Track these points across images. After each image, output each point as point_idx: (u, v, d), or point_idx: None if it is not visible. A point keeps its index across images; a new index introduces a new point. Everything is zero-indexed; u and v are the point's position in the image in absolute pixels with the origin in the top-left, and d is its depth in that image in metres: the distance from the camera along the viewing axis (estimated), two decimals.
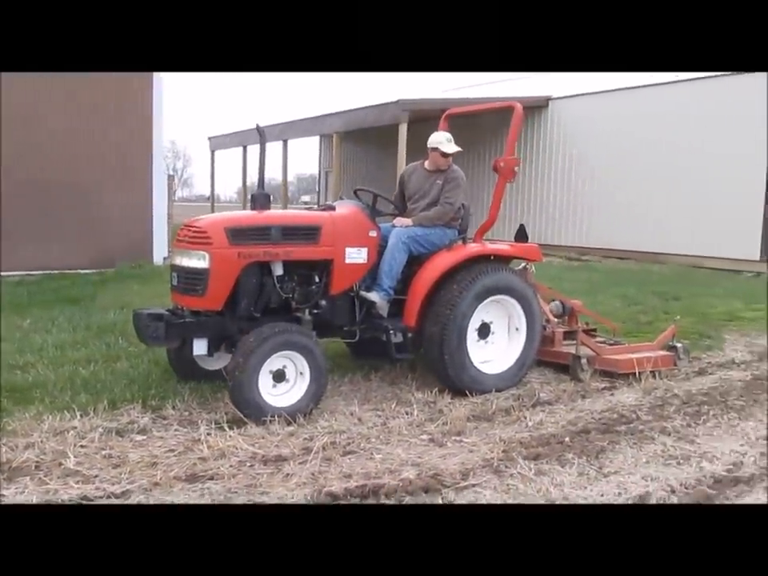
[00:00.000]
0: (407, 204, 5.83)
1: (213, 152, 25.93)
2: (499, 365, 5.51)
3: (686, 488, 3.68)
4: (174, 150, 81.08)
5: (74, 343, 6.30)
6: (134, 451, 4.06)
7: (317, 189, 28.69)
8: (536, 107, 18.54)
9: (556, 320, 6.28)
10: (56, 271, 9.77)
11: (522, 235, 6.05)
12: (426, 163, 5.78)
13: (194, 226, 4.76)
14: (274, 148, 21.75)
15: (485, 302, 5.34)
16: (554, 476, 3.78)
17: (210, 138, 25.92)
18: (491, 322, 5.53)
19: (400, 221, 5.54)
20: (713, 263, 14.36)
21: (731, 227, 14.23)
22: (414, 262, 5.44)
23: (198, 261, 4.66)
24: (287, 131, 21.28)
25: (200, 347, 4.77)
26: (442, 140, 5.59)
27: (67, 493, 3.49)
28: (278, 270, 4.95)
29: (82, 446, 4.08)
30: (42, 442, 4.07)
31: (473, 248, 5.48)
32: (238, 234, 4.73)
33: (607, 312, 8.07)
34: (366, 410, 4.88)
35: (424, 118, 19.99)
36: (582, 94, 17.57)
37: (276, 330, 4.58)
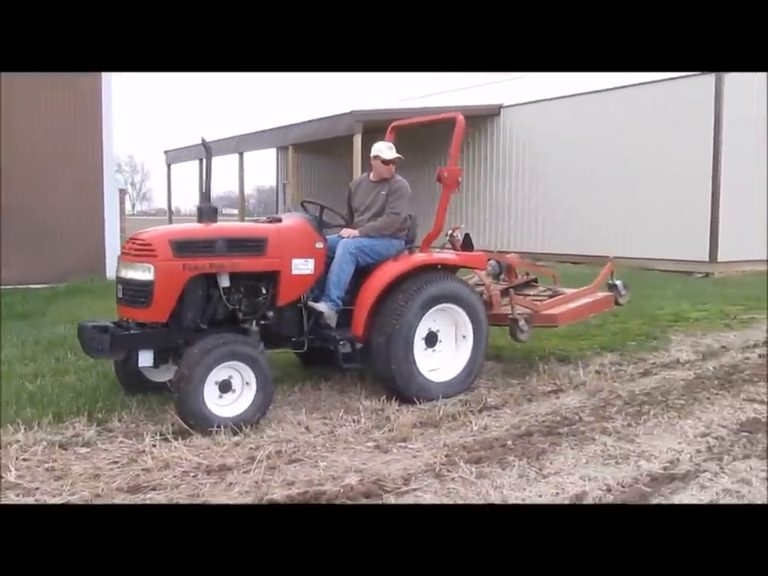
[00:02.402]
0: (354, 216, 5.90)
1: (169, 166, 25.73)
2: (447, 372, 5.59)
3: (622, 487, 3.77)
4: (132, 164, 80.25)
5: (22, 358, 6.24)
6: (77, 464, 4.04)
7: (275, 201, 28.61)
8: (489, 115, 18.83)
9: (493, 280, 6.44)
10: (8, 287, 9.63)
11: (467, 244, 6.17)
12: (371, 175, 5.87)
13: (139, 239, 4.77)
14: (230, 161, 21.70)
15: (431, 310, 5.42)
16: (495, 479, 3.86)
17: (165, 152, 25.73)
18: (438, 331, 5.61)
19: (347, 232, 5.62)
20: (663, 265, 14.68)
21: (680, 229, 14.57)
22: (362, 273, 5.50)
23: (142, 273, 4.66)
24: (243, 144, 21.25)
25: (146, 359, 4.76)
26: (382, 148, 5.69)
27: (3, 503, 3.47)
28: (225, 282, 4.97)
29: (24, 460, 4.06)
30: None
31: (418, 257, 5.56)
32: (183, 247, 4.75)
33: None
34: (313, 419, 4.91)
35: (378, 128, 20.21)
36: (533, 102, 17.87)
37: (221, 341, 4.60)
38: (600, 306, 6.19)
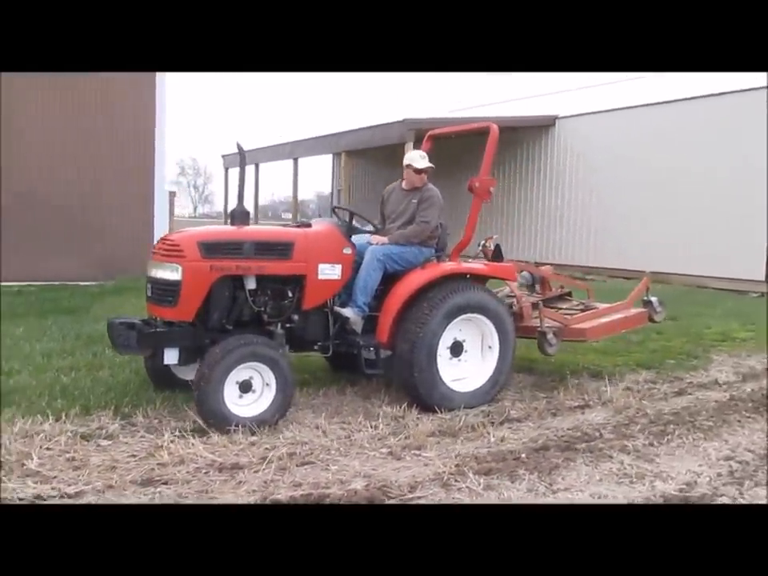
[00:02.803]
0: (386, 223, 5.94)
1: (227, 169, 26.26)
2: (472, 382, 5.56)
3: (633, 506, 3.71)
4: (195, 167, 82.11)
5: (61, 352, 6.46)
6: (97, 455, 4.17)
7: (330, 206, 28.89)
8: (543, 126, 18.67)
9: (527, 292, 6.39)
10: (57, 282, 9.99)
11: (497, 255, 6.13)
12: (404, 183, 5.89)
13: (169, 240, 4.90)
14: (286, 166, 22.03)
15: (456, 320, 5.41)
16: (502, 491, 3.83)
17: (223, 156, 26.28)
18: (464, 340, 5.59)
19: (376, 239, 5.65)
20: (718, 283, 14.28)
21: (736, 247, 14.16)
22: (390, 280, 5.52)
23: (170, 273, 4.79)
24: (297, 149, 21.54)
25: (171, 357, 4.88)
26: (414, 157, 5.71)
27: (23, 492, 3.61)
28: (251, 284, 5.06)
29: (47, 449, 4.20)
30: (9, 443, 4.19)
31: (445, 266, 5.56)
32: (211, 248, 4.85)
33: None
34: (333, 423, 4.95)
35: (421, 138, 20.27)
36: (589, 113, 17.64)
37: (242, 342, 4.69)
38: (632, 323, 6.07)
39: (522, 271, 6.55)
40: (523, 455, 4.36)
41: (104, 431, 4.55)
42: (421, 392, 5.28)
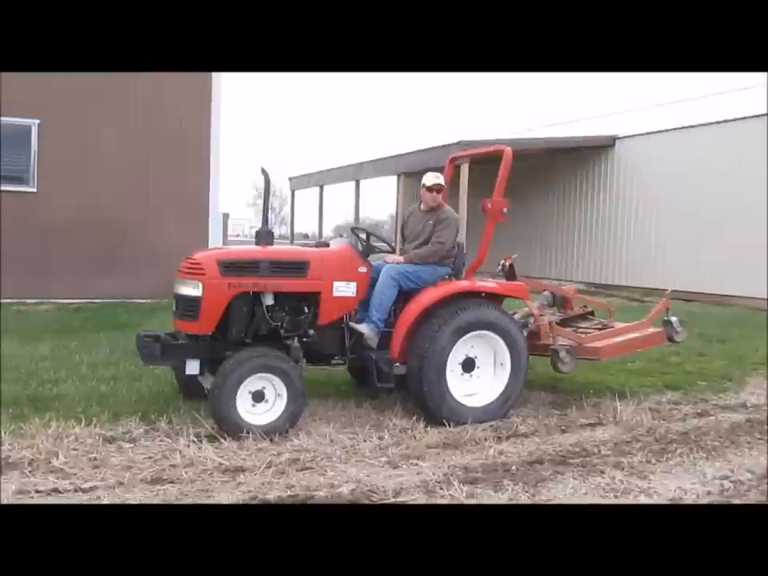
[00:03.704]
0: (405, 243, 6.19)
1: (293, 192, 27.06)
2: (483, 398, 5.71)
3: None
4: (272, 190, 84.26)
5: (106, 363, 6.94)
6: (116, 456, 4.54)
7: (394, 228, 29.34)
8: (602, 147, 18.58)
9: (549, 310, 6.49)
10: (117, 300, 10.64)
11: (511, 274, 6.29)
12: (422, 205, 6.13)
13: (192, 259, 5.29)
14: (349, 188, 22.55)
15: (466, 336, 5.58)
16: (483, 500, 3.99)
17: (290, 179, 27.09)
18: (476, 357, 5.76)
19: (392, 257, 5.90)
20: None
21: None
22: (405, 297, 5.76)
23: (192, 289, 5.16)
24: (359, 172, 22.05)
25: (192, 367, 5.24)
26: (429, 177, 5.95)
27: (44, 485, 4.00)
28: (269, 300, 5.39)
29: (74, 449, 4.59)
30: (41, 443, 4.61)
31: (457, 284, 5.76)
32: (229, 267, 5.21)
33: (638, 354, 8.05)
34: (343, 433, 5.19)
35: (485, 159, 20.40)
36: (649, 133, 17.47)
37: (254, 354, 5.01)
38: (648, 342, 6.11)
39: (544, 290, 6.67)
40: (514, 467, 4.50)
41: (128, 435, 4.93)
42: (430, 405, 5.47)
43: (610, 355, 6.01)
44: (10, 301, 10.50)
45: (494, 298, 5.95)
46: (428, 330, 5.50)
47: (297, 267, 5.43)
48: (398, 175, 21.46)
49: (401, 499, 3.95)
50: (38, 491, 3.93)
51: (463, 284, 5.80)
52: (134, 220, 11.12)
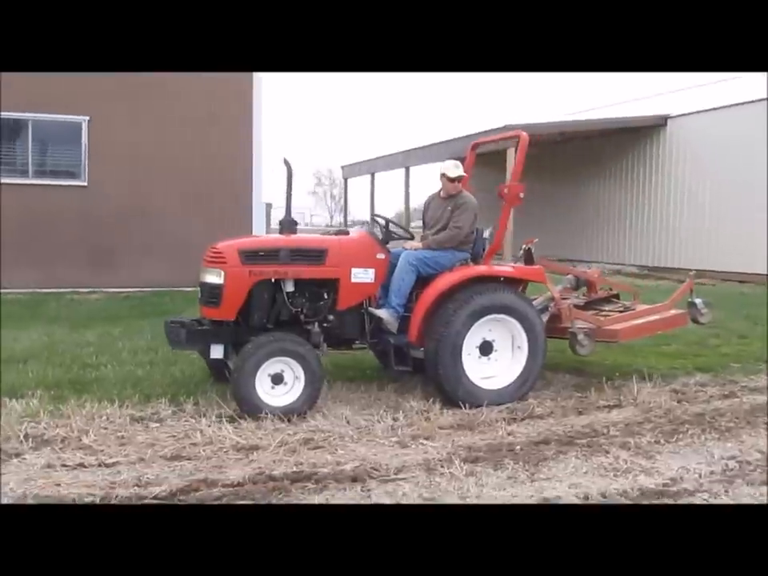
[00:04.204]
0: (425, 230, 6.30)
1: (346, 180, 27.32)
2: (500, 381, 5.81)
3: (603, 497, 3.87)
4: (331, 178, 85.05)
5: (146, 349, 7.29)
6: (142, 434, 4.82)
7: None
8: (654, 126, 18.20)
9: (573, 294, 6.54)
10: (164, 288, 11.07)
11: (529, 258, 6.33)
12: (441, 192, 6.24)
13: (215, 248, 5.53)
14: (399, 175, 22.67)
15: (482, 320, 5.68)
16: (482, 477, 4.11)
17: (342, 167, 27.36)
18: (494, 340, 5.85)
19: (410, 244, 6.03)
20: None
21: None
22: (424, 283, 5.89)
23: (215, 277, 5.42)
24: (409, 159, 22.12)
25: (217, 352, 5.49)
26: (449, 166, 6.03)
27: (71, 460, 4.30)
28: (289, 287, 5.60)
29: (104, 428, 4.90)
30: (75, 422, 4.93)
31: (472, 269, 5.85)
32: (250, 255, 5.44)
33: (677, 334, 7.96)
34: (360, 414, 5.36)
35: (532, 142, 20.22)
36: (701, 111, 17.03)
37: (271, 339, 5.23)
38: (669, 324, 6.08)
39: (568, 274, 6.70)
40: (518, 447, 4.60)
41: (156, 415, 5.21)
42: (446, 388, 5.60)
43: (628, 337, 6.01)
44: (63, 290, 11.07)
45: (513, 283, 6.03)
46: (444, 314, 5.62)
47: (316, 255, 5.61)
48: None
49: (401, 476, 4.11)
50: (64, 465, 4.24)
51: (479, 269, 5.89)
52: (180, 211, 11.52)
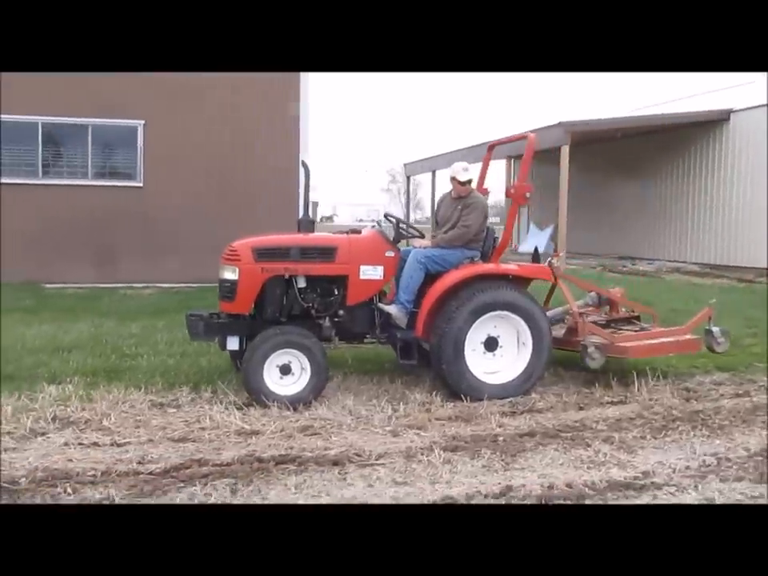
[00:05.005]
0: (437, 229, 6.52)
1: (408, 177, 27.57)
2: (505, 376, 5.97)
3: (568, 487, 4.01)
4: (405, 174, 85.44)
5: (182, 341, 7.73)
6: (158, 419, 5.22)
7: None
8: (718, 121, 17.75)
9: (593, 309, 6.63)
10: (214, 284, 11.58)
11: (535, 257, 6.46)
12: (452, 192, 6.44)
13: (231, 246, 5.91)
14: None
15: (485, 316, 5.86)
16: (457, 465, 4.32)
17: (405, 165, 27.60)
18: (498, 336, 6.02)
19: (419, 242, 6.26)
20: None
21: None
22: (433, 280, 6.11)
23: (230, 273, 5.79)
24: (469, 156, 22.16)
25: (233, 343, 5.87)
26: (458, 170, 6.23)
27: (87, 440, 4.74)
28: (301, 283, 5.92)
29: (124, 412, 5.33)
30: (100, 406, 5.39)
31: (478, 267, 6.03)
32: (263, 253, 5.79)
33: None
34: (364, 404, 5.63)
35: (592, 138, 19.94)
36: (765, 105, 16.50)
37: (278, 332, 5.56)
38: (682, 348, 6.10)
39: (591, 291, 6.81)
40: (501, 438, 4.78)
41: (175, 402, 5.63)
42: (449, 382, 5.82)
43: (638, 355, 6.05)
44: (119, 286, 11.77)
45: (519, 281, 6.17)
46: (447, 310, 5.83)
47: (325, 252, 5.92)
48: (508, 158, 21.47)
49: (381, 461, 4.36)
50: (80, 444, 4.68)
51: (483, 266, 6.07)
52: (230, 209, 12.03)
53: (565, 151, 17.03)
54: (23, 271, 11.42)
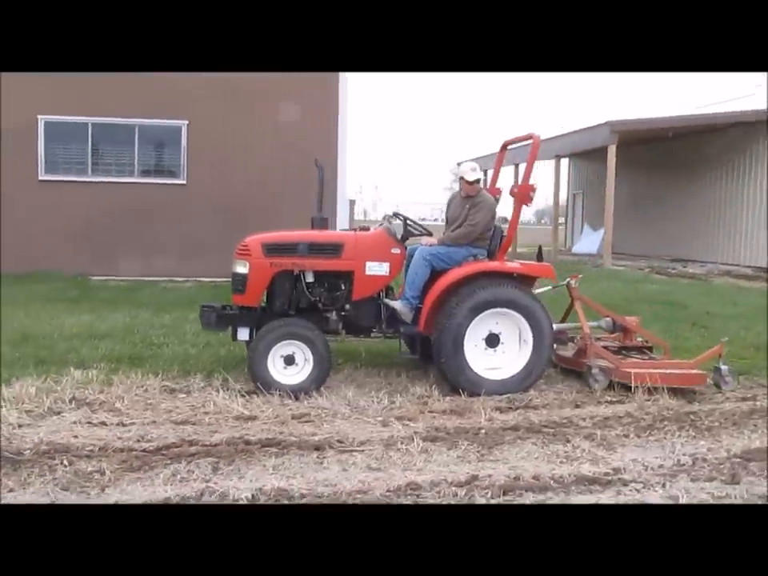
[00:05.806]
0: (446, 227, 6.68)
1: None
2: (505, 372, 6.10)
3: (535, 479, 4.12)
4: (454, 173, 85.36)
5: (209, 332, 8.08)
6: (166, 403, 5.55)
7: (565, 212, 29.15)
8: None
9: (605, 334, 6.68)
10: None
11: (539, 255, 6.53)
12: (462, 191, 6.59)
13: (243, 242, 6.20)
14: (508, 172, 22.77)
15: (485, 313, 6.00)
16: (433, 455, 4.48)
17: (458, 164, 27.66)
18: (500, 333, 6.14)
19: (426, 240, 6.44)
20: None
21: None
22: (438, 277, 6.28)
23: (241, 267, 6.09)
24: (518, 156, 22.09)
25: (243, 334, 6.16)
26: (466, 170, 6.38)
27: (96, 419, 5.09)
28: (309, 278, 6.17)
29: (137, 396, 5.69)
30: (116, 389, 5.76)
31: (480, 264, 6.17)
32: (271, 248, 6.07)
33: (737, 335, 8.10)
34: (364, 396, 5.84)
35: (641, 138, 19.62)
36: None
37: (281, 324, 5.83)
38: (685, 381, 6.05)
39: (607, 316, 6.87)
40: (483, 431, 4.92)
41: (187, 388, 5.95)
42: (448, 376, 5.98)
43: (639, 382, 6.06)
44: (160, 279, 12.30)
45: (523, 279, 6.28)
46: (448, 306, 6.00)
47: (332, 249, 6.16)
48: (556, 158, 21.35)
49: (360, 448, 4.57)
50: (89, 423, 5.04)
51: (485, 264, 6.20)
52: (271, 207, 12.38)
53: (612, 151, 16.90)
54: (72, 264, 12.05)
